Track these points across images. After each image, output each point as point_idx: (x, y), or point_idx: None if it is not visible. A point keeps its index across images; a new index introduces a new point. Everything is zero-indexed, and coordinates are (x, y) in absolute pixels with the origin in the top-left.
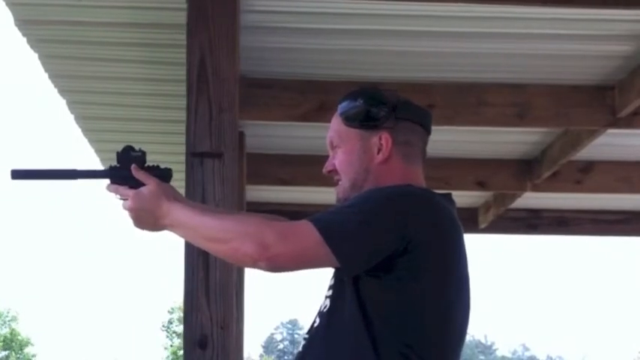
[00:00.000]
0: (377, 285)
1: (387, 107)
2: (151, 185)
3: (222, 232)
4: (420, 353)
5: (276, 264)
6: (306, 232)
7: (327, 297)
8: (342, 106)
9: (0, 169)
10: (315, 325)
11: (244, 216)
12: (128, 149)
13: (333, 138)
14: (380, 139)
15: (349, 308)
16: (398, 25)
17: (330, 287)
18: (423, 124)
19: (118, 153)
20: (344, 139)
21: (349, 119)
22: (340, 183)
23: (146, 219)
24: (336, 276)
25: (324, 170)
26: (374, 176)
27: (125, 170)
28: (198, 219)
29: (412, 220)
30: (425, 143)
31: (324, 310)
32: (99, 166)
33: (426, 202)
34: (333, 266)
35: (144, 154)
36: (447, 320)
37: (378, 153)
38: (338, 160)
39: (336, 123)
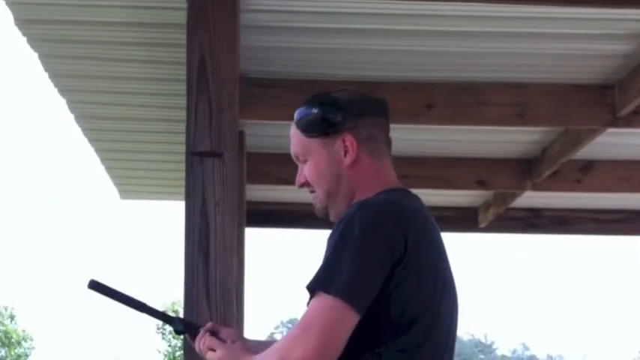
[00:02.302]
0: None
1: (342, 110)
2: (240, 343)
3: None
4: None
5: None
6: (316, 310)
7: None
8: (299, 120)
9: None
10: None
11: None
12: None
13: (297, 152)
14: (344, 142)
15: None
16: (398, 25)
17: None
18: (382, 114)
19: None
20: (309, 151)
21: (308, 130)
22: (316, 194)
23: None
24: None
25: (297, 185)
26: (347, 180)
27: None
28: None
29: (395, 240)
30: (387, 132)
31: None
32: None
33: (401, 215)
34: (357, 317)
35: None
36: (435, 323)
37: (345, 156)
38: (308, 172)
39: (296, 136)
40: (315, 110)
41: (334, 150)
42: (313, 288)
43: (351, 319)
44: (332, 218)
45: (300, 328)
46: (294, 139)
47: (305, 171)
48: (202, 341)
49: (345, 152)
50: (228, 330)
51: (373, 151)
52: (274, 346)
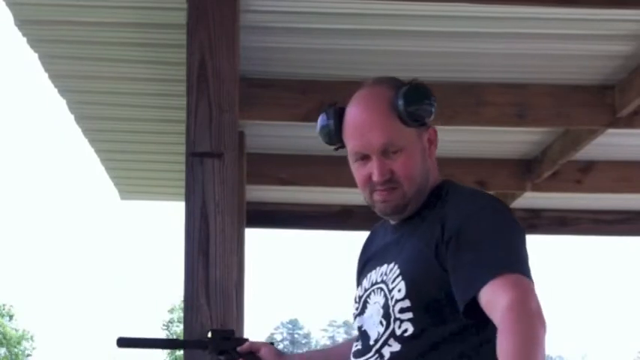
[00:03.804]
0: None
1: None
2: None
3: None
4: None
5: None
6: (525, 286)
7: (397, 319)
8: (411, 106)
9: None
10: (392, 349)
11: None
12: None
13: (392, 140)
14: (430, 134)
15: (446, 331)
16: (398, 25)
17: (405, 310)
18: None
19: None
20: (407, 140)
21: (417, 119)
22: (396, 190)
23: None
24: (418, 298)
25: (379, 178)
26: (429, 174)
27: (228, 343)
28: None
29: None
30: None
31: (405, 334)
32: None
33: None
34: None
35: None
36: None
37: (430, 147)
38: (401, 164)
39: (389, 124)
40: (432, 98)
41: (424, 142)
42: (512, 270)
43: None
44: (406, 214)
45: (519, 291)
46: (387, 127)
47: (395, 164)
48: None
49: (430, 144)
50: (266, 347)
51: None
52: (507, 318)
